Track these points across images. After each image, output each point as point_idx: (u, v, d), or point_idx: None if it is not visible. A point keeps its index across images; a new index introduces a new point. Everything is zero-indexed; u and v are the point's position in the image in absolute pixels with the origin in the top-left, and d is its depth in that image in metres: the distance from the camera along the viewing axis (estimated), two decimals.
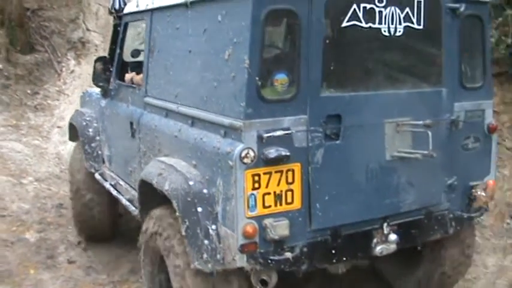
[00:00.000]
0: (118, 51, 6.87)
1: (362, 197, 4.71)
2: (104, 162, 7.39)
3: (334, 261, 4.77)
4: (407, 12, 4.75)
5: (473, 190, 5.26)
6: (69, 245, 8.22)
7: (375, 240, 4.86)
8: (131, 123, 6.16)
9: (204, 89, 4.73)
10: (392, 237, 4.87)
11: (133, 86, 6.39)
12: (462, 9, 4.97)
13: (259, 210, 4.29)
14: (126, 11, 6.65)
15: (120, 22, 6.81)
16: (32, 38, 13.15)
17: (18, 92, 11.77)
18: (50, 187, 9.55)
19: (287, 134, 4.34)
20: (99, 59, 7.10)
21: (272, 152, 4.25)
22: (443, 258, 5.74)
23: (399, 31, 4.73)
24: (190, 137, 4.89)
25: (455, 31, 5.03)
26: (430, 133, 4.68)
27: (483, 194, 5.26)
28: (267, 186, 4.30)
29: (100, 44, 12.98)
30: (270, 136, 4.26)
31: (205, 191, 4.59)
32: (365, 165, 4.71)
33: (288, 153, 4.28)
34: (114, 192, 6.88)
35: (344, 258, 4.83)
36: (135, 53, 7.13)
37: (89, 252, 8.05)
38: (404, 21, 4.74)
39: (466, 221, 5.34)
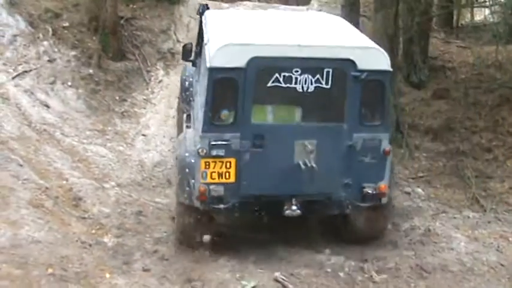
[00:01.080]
0: (199, 39, 9.84)
1: (277, 181, 7.78)
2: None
3: (257, 214, 8.12)
4: (317, 78, 7.54)
5: (364, 189, 7.97)
6: (145, 252, 8.28)
7: (285, 207, 7.88)
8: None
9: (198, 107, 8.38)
10: (295, 207, 7.84)
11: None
12: (363, 76, 7.58)
13: (208, 180, 7.72)
14: (205, 15, 9.71)
15: (201, 21, 9.73)
16: (123, 46, 13.38)
17: (106, 97, 11.98)
18: (130, 194, 9.66)
19: (226, 142, 7.64)
20: (186, 45, 10.38)
21: (213, 152, 7.65)
22: (362, 224, 8.50)
23: (311, 89, 7.55)
24: (197, 113, 8.36)
25: (358, 89, 7.62)
26: (311, 154, 7.70)
27: (371, 192, 7.96)
28: (214, 168, 7.70)
29: None
30: (215, 143, 7.64)
31: (192, 160, 7.80)
32: (279, 164, 7.75)
33: (222, 154, 7.65)
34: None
35: (263, 213, 8.15)
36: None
37: (164, 262, 8.07)
38: (315, 83, 7.55)
39: (359, 207, 8.12)
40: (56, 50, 12.45)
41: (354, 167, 7.87)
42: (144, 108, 12.00)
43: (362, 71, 7.54)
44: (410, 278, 7.96)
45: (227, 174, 7.73)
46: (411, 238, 8.99)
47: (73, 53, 12.43)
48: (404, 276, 7.99)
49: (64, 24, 13.28)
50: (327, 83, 7.54)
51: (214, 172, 7.70)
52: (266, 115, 7.82)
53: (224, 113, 7.68)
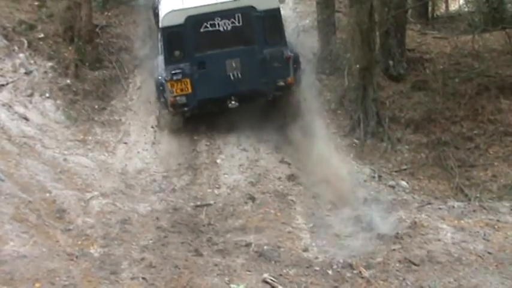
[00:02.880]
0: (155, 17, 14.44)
1: (219, 88, 11.80)
2: None
3: (210, 110, 12.26)
4: (232, 20, 11.71)
5: (277, 83, 11.99)
6: (133, 261, 8.20)
7: (228, 102, 11.89)
8: None
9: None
10: (234, 101, 11.90)
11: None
12: (262, 14, 11.78)
13: (175, 93, 11.73)
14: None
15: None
16: (100, 54, 13.31)
17: (85, 107, 11.92)
18: (114, 202, 9.58)
19: (181, 70, 11.68)
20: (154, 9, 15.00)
21: (174, 77, 11.65)
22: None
23: (229, 28, 11.74)
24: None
25: (261, 22, 11.85)
26: (238, 68, 11.83)
27: (282, 84, 11.99)
28: (177, 86, 11.71)
29: None
30: (174, 72, 11.66)
31: (163, 81, 11.77)
32: (218, 76, 11.79)
33: (179, 77, 11.68)
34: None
35: (214, 109, 12.24)
36: None
37: (151, 269, 8.02)
38: (231, 24, 11.74)
39: (275, 94, 12.25)
40: (32, 61, 12.36)
41: (268, 71, 11.98)
42: (124, 115, 11.98)
43: (260, 11, 11.86)
44: (399, 272, 7.97)
45: (186, 88, 11.82)
46: (398, 231, 8.97)
47: (50, 64, 12.35)
48: (393, 271, 8.01)
49: (39, 36, 13.20)
50: (239, 22, 11.85)
51: (178, 88, 11.78)
52: (204, 49, 11.86)
53: (177, 53, 11.87)
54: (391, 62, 13.86)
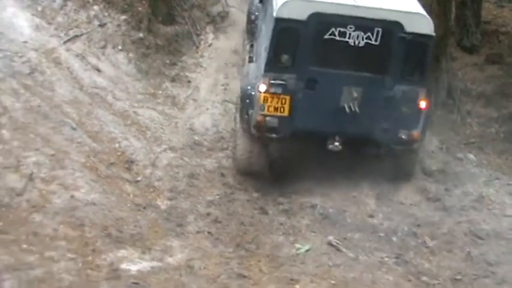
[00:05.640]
0: None
1: (324, 119, 9.00)
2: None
3: (301, 146, 9.54)
4: (368, 35, 8.71)
5: (399, 134, 9.02)
6: (199, 215, 8.40)
7: (329, 142, 9.05)
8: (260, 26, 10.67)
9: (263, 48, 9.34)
10: (337, 143, 9.01)
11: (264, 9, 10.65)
12: (408, 38, 8.70)
13: (266, 112, 8.93)
14: None
15: None
16: (173, 10, 13.35)
17: (157, 61, 11.95)
18: (182, 157, 9.71)
19: (283, 82, 8.88)
20: None
21: (272, 89, 8.87)
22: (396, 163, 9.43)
23: (361, 44, 8.73)
24: (260, 54, 9.63)
25: (403, 48, 8.77)
26: (356, 100, 8.88)
27: (405, 137, 9.00)
28: (271, 102, 8.92)
29: (238, 20, 13.04)
30: (274, 82, 8.86)
31: (253, 93, 9.07)
32: (327, 105, 8.96)
33: (279, 91, 8.88)
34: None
35: (307, 145, 9.48)
36: None
37: (217, 225, 8.16)
38: (365, 39, 8.72)
39: (394, 149, 9.18)
40: (106, 14, 12.46)
41: (392, 115, 9.01)
42: (194, 72, 11.95)
43: (408, 33, 8.73)
44: (464, 244, 7.93)
45: (282, 108, 8.98)
46: (464, 204, 8.95)
47: (123, 17, 12.41)
48: (458, 242, 8.01)
49: None
50: (376, 40, 8.77)
51: (271, 106, 8.97)
52: (320, 62, 8.94)
53: (284, 57, 8.96)
54: (465, 33, 13.65)
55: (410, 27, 8.72)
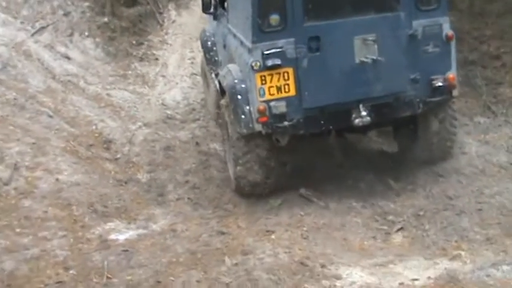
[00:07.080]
0: None
1: (340, 88, 7.23)
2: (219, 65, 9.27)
3: (324, 128, 7.50)
4: None
5: (433, 82, 7.42)
6: (177, 183, 8.84)
7: (353, 116, 7.28)
8: (223, 40, 8.72)
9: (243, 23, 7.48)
10: (364, 113, 7.24)
11: (225, 13, 8.69)
12: None
13: (267, 97, 7.12)
14: None
15: None
16: None
17: (123, 43, 12.19)
18: (157, 132, 10.09)
19: (281, 50, 7.06)
20: None
21: (268, 62, 7.03)
22: (430, 132, 8.03)
23: None
24: (238, 52, 7.74)
25: None
26: (376, 45, 7.13)
27: (441, 84, 7.42)
28: (271, 82, 7.08)
29: None
30: (269, 53, 7.05)
31: (243, 85, 7.38)
32: (340, 66, 7.20)
33: (279, 63, 7.04)
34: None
35: (331, 127, 7.59)
36: None
37: (195, 190, 8.59)
38: None
39: (430, 103, 7.57)
40: (69, 3, 12.64)
41: (418, 59, 7.35)
42: (161, 49, 12.20)
43: None
44: (426, 183, 8.34)
45: (286, 87, 7.11)
46: None
47: (86, 4, 12.61)
48: (419, 182, 8.39)
49: None
50: None
51: (272, 87, 7.10)
52: (319, 14, 7.14)
53: (273, 17, 7.03)
54: None
55: None
